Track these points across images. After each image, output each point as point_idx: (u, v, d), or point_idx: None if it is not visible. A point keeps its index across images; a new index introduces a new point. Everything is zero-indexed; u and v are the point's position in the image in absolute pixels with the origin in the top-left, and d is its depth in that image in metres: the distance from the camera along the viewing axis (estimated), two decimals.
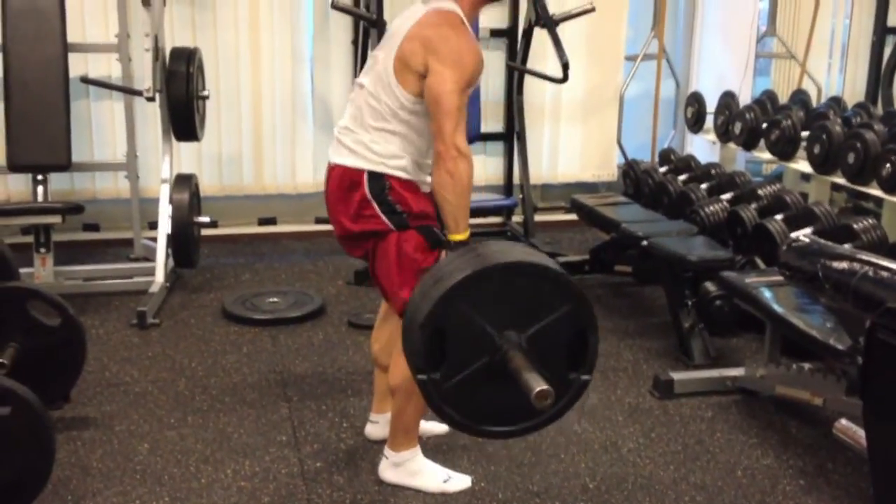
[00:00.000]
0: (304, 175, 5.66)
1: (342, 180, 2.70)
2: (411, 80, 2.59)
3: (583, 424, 3.38)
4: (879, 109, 6.26)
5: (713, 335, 3.99)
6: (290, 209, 5.78)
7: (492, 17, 5.71)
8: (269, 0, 5.39)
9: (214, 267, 5.05)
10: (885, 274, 2.48)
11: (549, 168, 6.12)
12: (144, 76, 4.59)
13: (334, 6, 4.91)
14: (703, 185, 4.96)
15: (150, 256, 4.83)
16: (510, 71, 5.80)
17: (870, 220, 4.03)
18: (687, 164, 5.40)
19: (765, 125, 5.36)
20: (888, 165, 4.43)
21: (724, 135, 5.72)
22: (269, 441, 3.20)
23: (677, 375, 3.63)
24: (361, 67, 3.97)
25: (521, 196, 5.76)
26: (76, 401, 3.38)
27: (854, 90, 6.76)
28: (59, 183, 4.93)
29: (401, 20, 2.69)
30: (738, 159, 5.95)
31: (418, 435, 2.96)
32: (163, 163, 4.83)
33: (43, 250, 4.43)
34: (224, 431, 3.27)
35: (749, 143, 5.49)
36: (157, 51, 4.58)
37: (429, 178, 2.69)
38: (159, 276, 4.55)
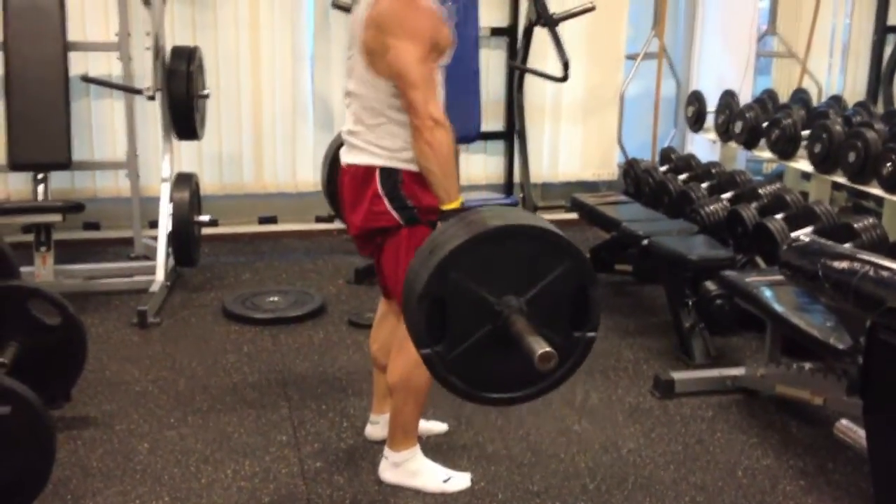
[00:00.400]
0: (304, 173, 5.66)
1: (355, 178, 2.68)
2: (384, 67, 2.55)
3: (583, 424, 3.38)
4: (880, 108, 6.27)
5: (714, 334, 3.99)
6: (291, 208, 5.78)
7: (492, 16, 5.71)
8: None
9: (215, 266, 5.05)
10: (885, 273, 2.47)
11: (549, 167, 6.12)
12: (145, 75, 4.60)
13: (335, 5, 4.93)
14: (704, 185, 4.96)
15: (150, 255, 4.84)
16: (511, 70, 5.80)
17: (870, 220, 4.03)
18: (687, 163, 5.39)
19: (765, 124, 5.35)
20: (889, 164, 4.42)
21: (724, 134, 5.72)
22: (269, 441, 3.20)
23: (678, 375, 3.63)
24: None
25: (521, 195, 5.76)
26: (76, 400, 3.38)
27: (855, 89, 6.76)
28: (59, 181, 4.93)
29: (357, 11, 2.65)
30: (738, 158, 5.95)
31: (418, 434, 2.96)
32: (163, 162, 4.84)
33: (43, 249, 4.43)
34: (224, 431, 3.27)
35: (750, 143, 5.48)
36: (157, 50, 4.58)
37: None
38: (160, 275, 4.55)
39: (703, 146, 6.10)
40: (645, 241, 4.21)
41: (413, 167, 2.61)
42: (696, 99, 6.00)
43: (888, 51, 6.53)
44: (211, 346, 4.02)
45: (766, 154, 5.44)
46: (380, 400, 3.15)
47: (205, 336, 4.13)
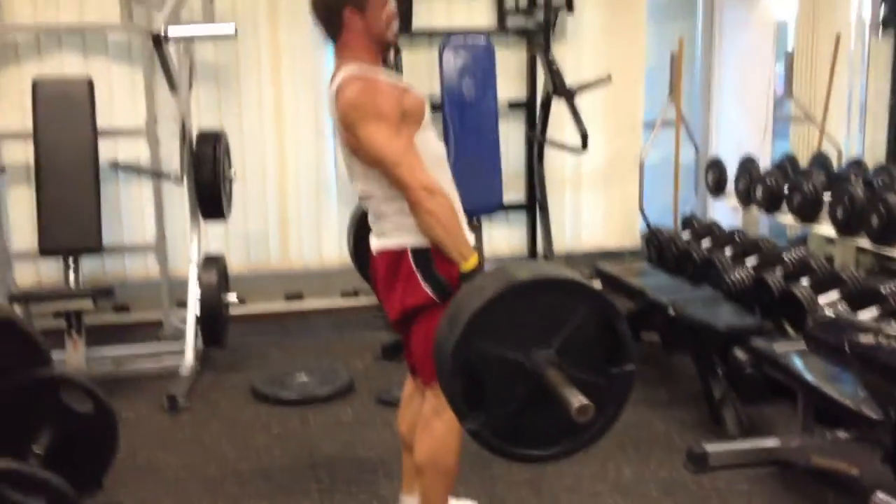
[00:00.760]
0: (329, 250, 5.73)
1: (389, 264, 2.67)
2: (366, 157, 2.58)
3: (616, 500, 3.34)
4: None
5: (745, 404, 3.95)
6: (317, 285, 5.82)
7: (510, 90, 5.80)
8: (292, 81, 5.52)
9: (243, 345, 5.08)
10: None
11: (572, 236, 6.15)
12: (172, 159, 4.69)
13: None
14: (728, 251, 4.96)
15: (179, 337, 4.87)
16: (530, 142, 5.87)
17: None
18: (710, 229, 5.41)
19: (786, 189, 5.37)
20: None
21: (745, 199, 5.74)
22: None
23: (711, 447, 3.59)
24: None
25: None
26: (108, 487, 3.37)
27: (874, 150, 6.77)
28: (90, 265, 5.01)
29: (331, 112, 2.68)
30: (760, 223, 5.95)
31: None
32: (191, 244, 4.90)
33: (75, 334, 4.47)
34: None
35: (771, 208, 5.50)
36: (184, 134, 4.69)
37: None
38: (189, 358, 4.59)
39: (725, 212, 6.11)
40: (670, 311, 4.20)
41: None
42: (716, 165, 6.03)
43: None
44: (240, 428, 4.03)
45: (789, 219, 5.44)
46: (409, 480, 3.13)
47: (234, 418, 4.14)
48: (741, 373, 4.00)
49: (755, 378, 3.97)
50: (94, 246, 4.74)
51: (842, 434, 3.23)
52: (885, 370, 2.51)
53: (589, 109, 5.49)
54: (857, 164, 5.94)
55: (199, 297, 4.60)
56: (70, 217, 4.72)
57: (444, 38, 5.17)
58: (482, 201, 5.12)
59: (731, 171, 5.90)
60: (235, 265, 5.41)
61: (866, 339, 2.80)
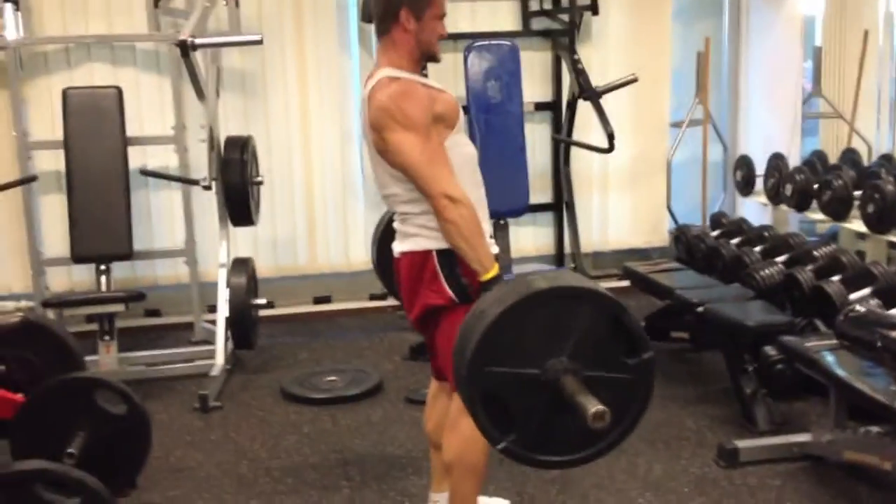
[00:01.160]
0: (356, 253, 5.76)
1: (412, 267, 2.69)
2: (393, 161, 2.61)
3: (647, 497, 3.33)
4: None
5: (776, 400, 3.93)
6: (345, 287, 5.85)
7: (536, 92, 5.81)
8: (318, 86, 5.56)
9: (272, 347, 5.12)
10: None
11: (599, 236, 6.13)
12: (201, 165, 4.74)
13: None
14: (757, 248, 4.93)
15: (210, 339, 4.92)
16: (556, 143, 5.87)
17: None
18: (739, 227, 5.38)
19: (816, 186, 5.33)
20: None
21: (774, 197, 5.70)
22: None
23: (742, 443, 3.57)
24: None
25: (573, 265, 5.77)
26: (142, 487, 3.42)
27: None
28: (121, 270, 5.07)
29: (361, 112, 2.71)
30: (790, 221, 5.91)
31: None
32: (220, 248, 4.95)
33: (107, 338, 4.53)
34: None
35: (801, 205, 5.46)
36: (212, 140, 4.73)
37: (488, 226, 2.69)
38: (219, 359, 4.63)
39: (754, 210, 6.08)
40: (700, 309, 4.18)
41: None
42: (745, 163, 6.00)
43: None
44: (271, 427, 4.06)
45: (819, 216, 5.40)
46: (439, 478, 3.14)
47: (265, 418, 4.17)
48: (772, 369, 3.98)
49: (786, 374, 3.96)
50: (126, 253, 4.80)
51: (874, 429, 3.19)
52: None
53: (615, 110, 5.48)
54: (888, 160, 5.89)
55: (228, 300, 4.64)
56: (101, 224, 4.78)
57: (468, 42, 5.19)
58: (508, 204, 5.12)
59: (760, 168, 5.87)
60: (264, 268, 5.44)
61: None
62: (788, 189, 5.51)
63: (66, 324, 4.76)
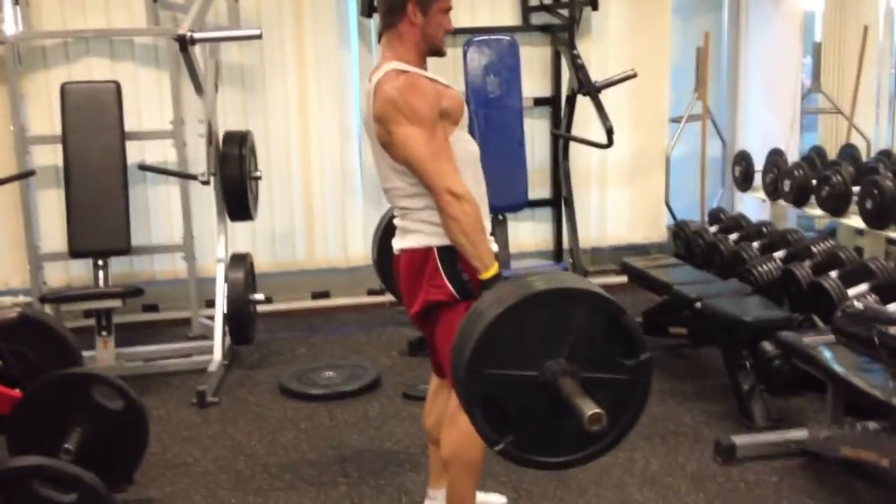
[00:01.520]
0: (355, 248, 5.75)
1: (412, 263, 2.69)
2: (397, 154, 2.60)
3: (644, 493, 3.33)
4: None
5: (773, 395, 3.93)
6: (343, 282, 5.85)
7: (535, 87, 5.80)
8: (317, 81, 5.55)
9: (270, 342, 5.12)
10: None
11: (598, 231, 6.13)
12: (199, 160, 4.73)
13: None
14: (755, 244, 4.93)
15: (207, 334, 4.92)
16: (555, 138, 5.86)
17: None
18: (737, 222, 5.38)
19: (814, 182, 5.32)
20: None
21: (773, 193, 5.69)
22: None
23: (739, 439, 3.57)
24: None
25: (571, 261, 5.77)
26: (139, 483, 3.42)
27: None
28: (119, 265, 5.06)
29: (363, 105, 2.71)
30: (788, 216, 5.91)
31: None
32: (218, 243, 4.95)
33: (105, 333, 4.53)
34: None
35: (799, 201, 5.45)
36: (210, 135, 4.73)
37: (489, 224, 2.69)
38: (217, 355, 4.63)
39: (752, 205, 6.08)
40: (698, 304, 4.18)
41: None
42: (743, 159, 5.99)
43: None
44: (269, 423, 4.06)
45: (817, 211, 5.40)
46: (437, 475, 3.14)
47: (263, 414, 4.17)
48: (769, 365, 3.99)
49: (783, 370, 3.96)
50: (123, 248, 4.80)
51: (871, 425, 3.20)
52: None
53: (614, 105, 5.47)
54: (887, 155, 5.88)
55: (226, 295, 4.64)
56: (99, 219, 4.78)
57: (468, 36, 5.18)
58: (507, 199, 5.11)
59: (759, 164, 5.86)
60: (262, 264, 5.44)
61: (895, 330, 2.77)
62: (787, 185, 5.50)
63: (64, 319, 4.78)
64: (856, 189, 5.06)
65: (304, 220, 5.68)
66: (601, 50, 5.87)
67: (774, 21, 6.11)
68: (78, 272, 5.24)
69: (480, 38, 5.16)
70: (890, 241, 5.22)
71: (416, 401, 4.11)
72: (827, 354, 3.38)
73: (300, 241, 5.70)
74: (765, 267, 4.50)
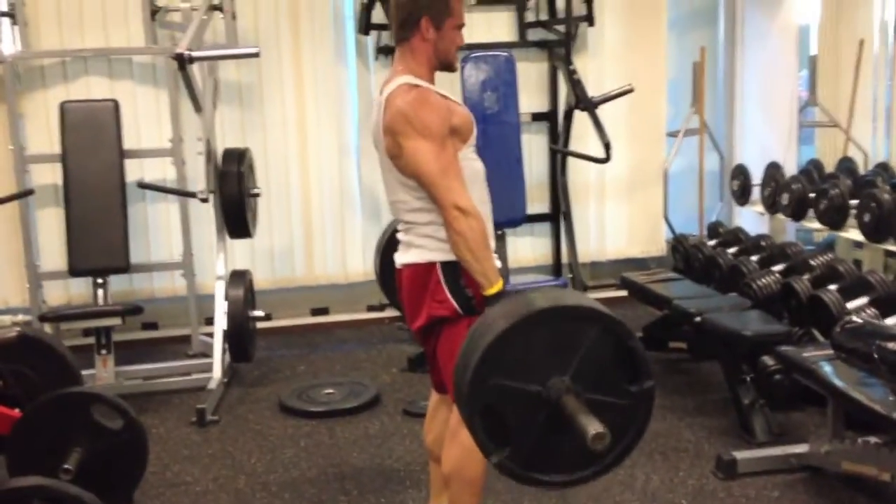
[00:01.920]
0: (354, 264, 5.75)
1: (415, 278, 2.69)
2: (405, 167, 2.61)
3: None
4: None
5: (774, 410, 3.92)
6: (342, 299, 5.85)
7: (532, 102, 5.82)
8: (315, 98, 5.57)
9: (270, 359, 5.11)
10: None
11: (597, 246, 6.13)
12: (198, 178, 4.74)
13: None
14: (754, 258, 4.93)
15: (207, 352, 4.91)
16: (553, 153, 5.87)
17: None
18: (736, 236, 5.38)
19: (812, 195, 5.33)
20: None
21: (771, 206, 5.70)
22: None
23: (740, 454, 3.56)
24: None
25: (570, 275, 5.77)
26: (139, 502, 3.41)
27: None
28: (118, 283, 5.06)
29: (373, 117, 2.72)
30: (787, 230, 5.92)
31: None
32: (217, 260, 4.95)
33: (104, 352, 4.53)
34: None
35: (798, 214, 5.46)
36: (209, 153, 4.73)
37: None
38: (217, 373, 4.62)
39: (751, 219, 6.08)
40: (698, 319, 4.18)
41: None
42: (741, 172, 6.01)
43: None
44: (269, 441, 4.05)
45: (815, 225, 5.40)
46: (437, 491, 3.13)
47: (263, 431, 4.16)
48: (770, 379, 3.98)
49: (784, 384, 3.95)
50: (123, 266, 4.80)
51: (872, 439, 3.19)
52: None
53: (612, 120, 5.49)
54: (884, 168, 5.89)
55: (226, 312, 4.64)
56: (98, 238, 4.78)
57: (465, 53, 5.20)
58: (506, 215, 5.10)
59: (757, 177, 5.88)
60: (261, 281, 5.44)
61: (894, 345, 2.77)
62: (785, 198, 5.51)
63: (63, 337, 4.77)
64: (854, 202, 5.07)
65: (303, 237, 5.69)
66: (598, 65, 5.89)
67: (770, 35, 6.13)
68: (77, 290, 5.24)
69: (478, 54, 5.18)
70: (889, 254, 5.23)
71: (417, 417, 4.10)
72: (827, 369, 3.37)
73: (299, 258, 5.70)
74: (764, 281, 4.50)
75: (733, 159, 6.35)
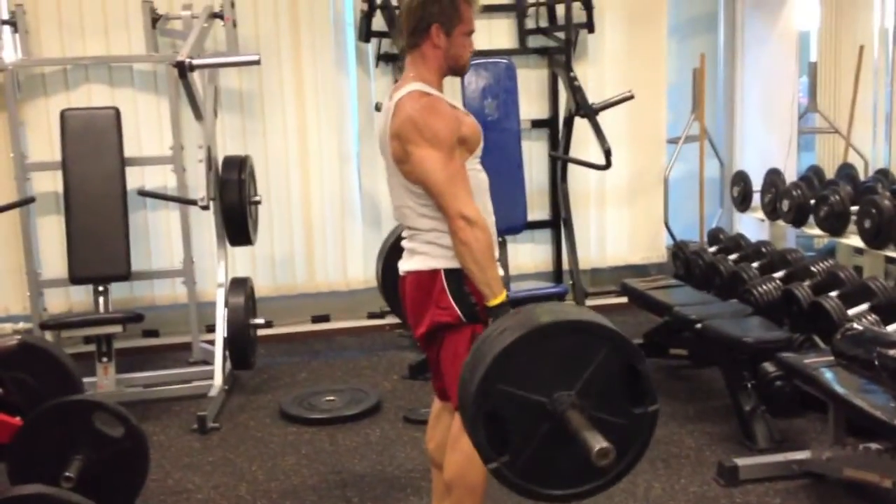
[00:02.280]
0: (355, 271, 5.76)
1: (419, 285, 2.69)
2: (411, 173, 2.61)
3: None
4: None
5: (776, 416, 3.92)
6: (343, 306, 5.85)
7: (532, 109, 5.83)
8: (315, 106, 5.58)
9: (271, 367, 5.11)
10: None
11: (597, 252, 6.14)
12: (198, 185, 4.74)
13: (378, 108, 5.07)
14: (755, 264, 4.93)
15: (208, 359, 4.91)
16: (553, 160, 5.88)
17: None
18: (736, 242, 5.38)
19: (813, 201, 5.33)
20: None
21: (772, 213, 5.71)
22: None
23: (741, 461, 3.56)
24: None
25: (571, 282, 5.77)
26: None
27: None
28: (119, 290, 5.06)
29: (381, 121, 2.73)
30: (787, 236, 5.92)
31: None
32: (218, 268, 4.95)
33: (105, 359, 4.52)
34: None
35: (798, 220, 5.46)
36: (210, 160, 4.73)
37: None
38: (217, 380, 4.62)
39: (751, 225, 6.09)
40: (698, 325, 4.18)
41: None
42: (742, 179, 6.01)
43: None
44: (270, 448, 4.05)
45: (816, 231, 5.41)
46: (439, 499, 3.12)
47: (264, 439, 4.16)
48: (771, 386, 3.98)
49: (785, 391, 3.96)
50: (123, 274, 4.81)
51: (874, 446, 3.19)
52: None
53: (612, 127, 5.49)
54: (884, 174, 5.89)
55: (226, 320, 4.64)
56: (99, 246, 4.79)
57: None
58: (506, 222, 5.07)
59: (757, 184, 5.88)
60: (262, 288, 5.44)
61: (895, 352, 2.77)
62: (785, 205, 5.51)
63: (64, 345, 4.76)
64: (854, 208, 5.07)
65: (304, 244, 5.69)
66: (598, 72, 5.91)
67: (770, 41, 6.14)
68: (78, 298, 5.24)
69: (478, 61, 5.18)
70: (889, 260, 5.22)
71: (418, 424, 4.10)
72: (828, 375, 3.37)
73: (300, 265, 5.71)
74: (765, 287, 4.50)
75: (733, 166, 6.36)
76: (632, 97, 5.13)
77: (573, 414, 2.09)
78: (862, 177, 6.04)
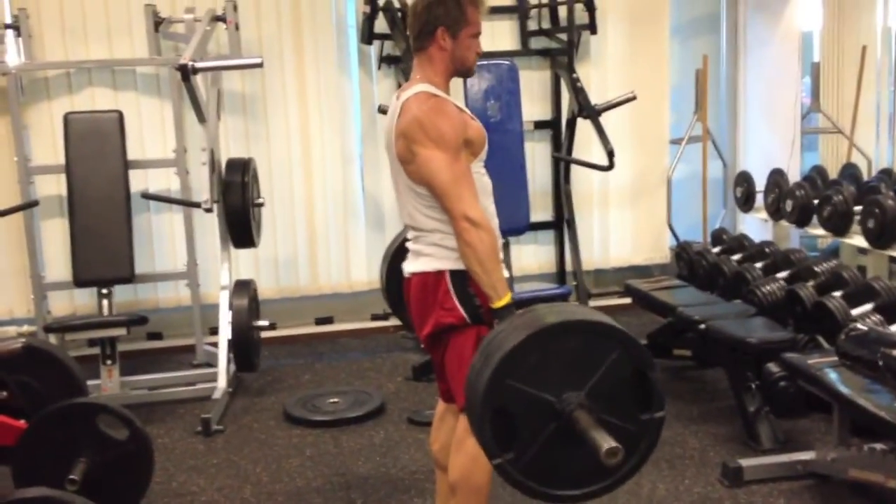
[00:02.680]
0: (358, 273, 5.76)
1: (424, 286, 2.69)
2: (416, 174, 2.62)
3: None
4: None
5: (780, 417, 3.92)
6: (346, 307, 5.85)
7: (535, 110, 5.83)
8: (318, 108, 5.59)
9: (275, 369, 5.12)
10: None
11: (600, 253, 6.14)
12: (202, 188, 4.75)
13: (381, 110, 5.08)
14: (758, 264, 4.92)
15: (212, 362, 4.92)
16: (556, 161, 5.88)
17: None
18: (740, 243, 5.37)
19: (816, 201, 5.32)
20: None
21: (775, 213, 5.70)
22: None
23: (746, 462, 3.56)
24: None
25: (574, 283, 5.77)
26: None
27: None
28: (123, 293, 5.08)
29: (387, 122, 2.74)
30: (791, 236, 5.91)
31: None
32: (222, 270, 4.96)
33: (109, 362, 4.53)
34: None
35: (801, 221, 5.45)
36: (213, 163, 4.74)
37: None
38: (221, 382, 4.63)
39: (755, 226, 6.08)
40: (702, 326, 4.18)
41: None
42: (745, 179, 6.00)
43: None
44: (274, 450, 4.05)
45: (819, 231, 5.40)
46: (443, 500, 3.11)
47: (268, 441, 4.16)
48: (775, 386, 3.98)
49: (789, 391, 3.95)
50: (127, 276, 4.82)
51: (879, 446, 3.18)
52: None
53: (615, 128, 5.50)
54: (888, 174, 5.88)
55: (230, 322, 4.65)
56: (103, 248, 4.79)
57: None
58: (509, 223, 5.04)
59: (760, 184, 5.87)
60: (266, 290, 5.45)
61: None
62: (789, 205, 5.50)
63: (68, 348, 4.78)
64: (858, 208, 5.06)
65: (307, 246, 5.70)
66: (601, 73, 5.91)
67: (773, 42, 6.14)
68: (82, 301, 5.25)
69: (480, 62, 5.12)
70: (893, 260, 5.21)
71: (422, 426, 4.10)
72: (832, 376, 3.36)
73: (303, 267, 5.71)
74: (768, 288, 4.49)
75: (736, 166, 6.36)
76: (634, 98, 5.13)
77: (581, 414, 2.09)
78: (865, 177, 6.03)
